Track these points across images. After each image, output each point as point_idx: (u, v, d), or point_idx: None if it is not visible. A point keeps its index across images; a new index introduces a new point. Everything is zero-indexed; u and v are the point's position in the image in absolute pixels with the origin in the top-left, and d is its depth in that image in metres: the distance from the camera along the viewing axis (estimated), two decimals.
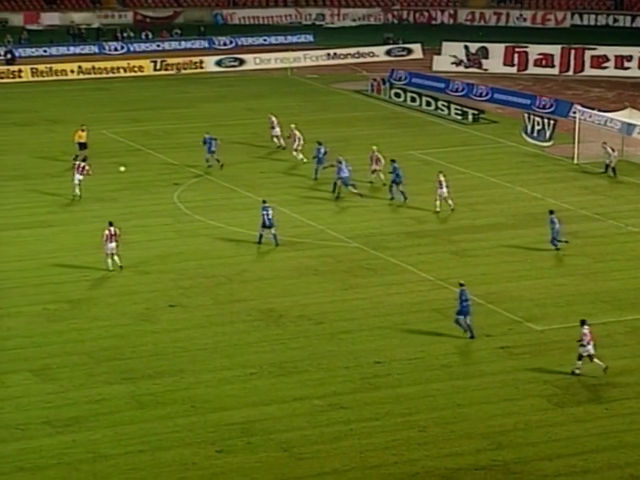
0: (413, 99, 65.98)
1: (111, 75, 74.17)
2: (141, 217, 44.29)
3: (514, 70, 74.12)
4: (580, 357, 30.48)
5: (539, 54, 74.04)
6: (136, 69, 75.13)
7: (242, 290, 36.75)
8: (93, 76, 73.75)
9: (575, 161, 52.45)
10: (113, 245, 37.97)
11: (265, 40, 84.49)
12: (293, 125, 52.86)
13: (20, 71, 73.24)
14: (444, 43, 76.54)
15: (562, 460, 26.32)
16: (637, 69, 72.71)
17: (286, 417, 28.28)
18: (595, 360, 30.49)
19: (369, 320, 34.29)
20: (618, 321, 34.30)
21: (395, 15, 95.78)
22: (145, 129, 58.91)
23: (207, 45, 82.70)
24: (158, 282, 37.41)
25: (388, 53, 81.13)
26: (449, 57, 75.44)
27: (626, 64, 73.00)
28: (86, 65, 74.37)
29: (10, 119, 61.71)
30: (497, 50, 74.70)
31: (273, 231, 40.68)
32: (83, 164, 46.90)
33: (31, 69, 73.41)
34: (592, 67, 73.15)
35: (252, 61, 77.97)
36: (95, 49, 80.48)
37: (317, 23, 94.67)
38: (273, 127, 54.45)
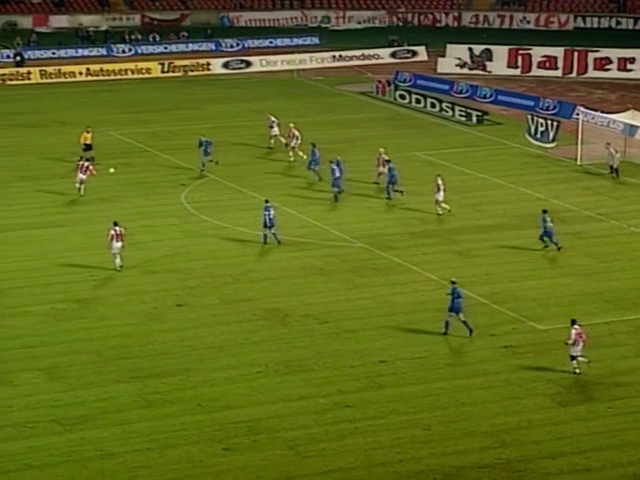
0: (418, 101, 66.14)
1: (118, 77, 74.31)
2: (148, 217, 44.46)
3: (518, 72, 74.18)
4: (572, 358, 30.62)
5: (543, 56, 74.09)
6: (144, 71, 75.34)
7: (248, 289, 36.89)
8: (101, 78, 73.90)
9: (578, 162, 52.54)
10: (119, 244, 38.16)
11: (271, 42, 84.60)
12: (291, 124, 53.08)
13: (29, 72, 73.44)
14: (448, 45, 76.61)
15: (565, 458, 26.43)
16: None
17: (291, 415, 28.39)
18: (578, 359, 30.61)
19: (373, 319, 34.42)
20: (620, 320, 34.41)
21: (399, 18, 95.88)
22: (152, 131, 59.08)
23: (213, 47, 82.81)
24: (165, 281, 37.55)
25: (393, 55, 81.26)
26: (453, 59, 75.52)
27: (629, 66, 73.01)
28: (94, 67, 74.56)
29: (19, 121, 61.88)
30: (500, 52, 74.74)
31: (272, 230, 40.88)
32: (86, 164, 47.22)
33: (40, 70, 73.60)
34: (595, 69, 73.17)
35: (258, 63, 78.11)
36: (103, 51, 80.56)
37: (323, 25, 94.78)
38: (271, 127, 54.74)
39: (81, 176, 46.57)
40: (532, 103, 64.12)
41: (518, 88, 69.94)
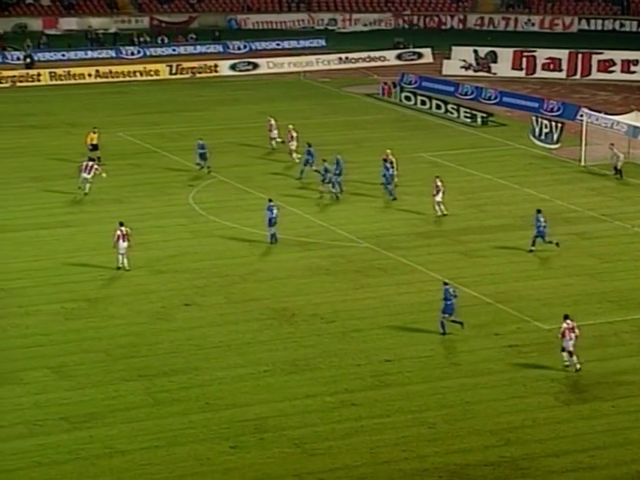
0: (423, 102, 66.32)
1: (127, 78, 74.57)
2: (156, 217, 44.66)
3: (522, 74, 74.24)
4: (563, 350, 30.80)
5: (547, 58, 74.17)
6: (152, 72, 75.61)
7: (255, 289, 37.06)
8: (109, 80, 74.19)
9: (582, 163, 52.68)
10: (125, 244, 38.35)
11: (278, 44, 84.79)
12: (290, 126, 53.36)
13: (39, 74, 73.74)
14: (453, 48, 76.69)
15: (569, 456, 26.56)
16: None
17: (298, 414, 28.53)
18: (573, 358, 30.75)
19: (379, 319, 34.57)
20: (624, 320, 34.55)
21: (405, 20, 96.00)
22: (160, 132, 59.26)
23: (221, 50, 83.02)
24: (173, 281, 37.70)
25: (398, 57, 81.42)
26: (458, 61, 75.66)
27: (632, 68, 73.02)
28: (103, 69, 74.84)
29: (29, 122, 62.13)
30: (505, 54, 74.85)
31: (273, 229, 41.08)
32: (91, 163, 47.55)
33: (50, 72, 73.89)
34: (599, 70, 73.25)
35: (265, 65, 78.32)
36: (112, 53, 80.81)
37: (329, 27, 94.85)
38: (270, 130, 55.07)
39: (85, 175, 46.95)
40: (536, 105, 64.27)
41: (522, 90, 70.03)
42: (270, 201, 41.91)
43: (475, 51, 75.62)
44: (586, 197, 47.82)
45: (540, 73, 74.13)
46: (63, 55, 79.81)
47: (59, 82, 73.45)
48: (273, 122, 55.32)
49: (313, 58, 79.21)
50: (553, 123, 56.21)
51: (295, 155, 52.24)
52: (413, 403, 29.18)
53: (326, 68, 78.67)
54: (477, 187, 49.19)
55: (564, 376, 30.68)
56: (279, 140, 54.57)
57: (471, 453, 26.72)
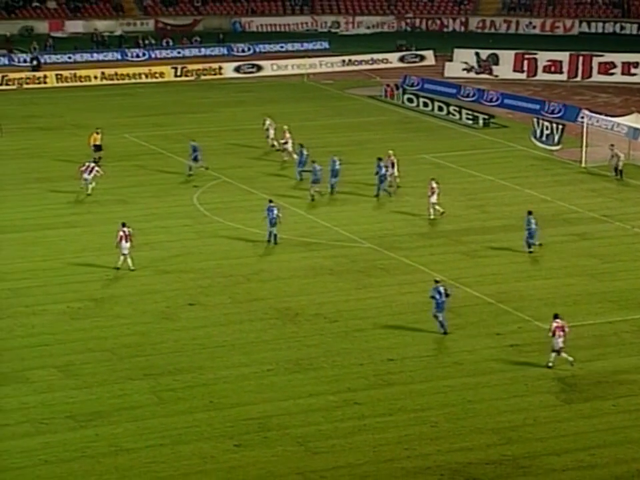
0: (426, 104, 66.54)
1: (132, 80, 74.75)
2: (161, 218, 44.86)
3: (523, 76, 74.41)
4: (553, 350, 31.02)
5: (548, 60, 74.37)
6: (157, 75, 75.81)
7: (259, 289, 37.21)
8: (115, 82, 74.41)
9: (583, 165, 52.84)
10: (128, 244, 38.52)
11: (281, 47, 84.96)
12: (285, 127, 53.60)
13: (45, 77, 73.95)
14: (455, 50, 76.89)
15: (570, 455, 26.69)
16: None
17: (301, 413, 28.67)
18: (563, 354, 30.93)
19: (382, 318, 34.70)
20: (624, 320, 34.68)
21: (408, 23, 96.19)
22: (165, 133, 59.42)
23: (225, 52, 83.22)
24: (178, 281, 37.85)
25: (401, 59, 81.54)
26: (460, 64, 75.82)
27: (632, 70, 73.19)
28: (109, 71, 75.04)
29: (35, 124, 62.35)
30: (507, 56, 75.02)
31: (274, 230, 41.30)
32: (92, 165, 47.84)
33: (56, 74, 74.11)
34: (599, 73, 73.43)
35: (269, 67, 78.49)
36: (117, 55, 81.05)
37: (333, 30, 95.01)
38: (267, 130, 55.34)
39: (86, 176, 47.25)
40: (537, 107, 64.46)
41: (524, 92, 70.22)
42: (270, 201, 42.16)
43: (477, 54, 75.82)
44: (586, 198, 47.98)
45: (541, 75, 74.31)
46: (69, 57, 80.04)
47: (65, 84, 73.65)
48: (269, 122, 55.64)
49: (316, 60, 79.35)
50: (554, 125, 56.41)
51: (286, 157, 52.47)
52: (415, 402, 29.31)
53: (329, 70, 78.85)
54: (478, 188, 49.37)
55: (565, 375, 30.79)
56: (276, 143, 54.71)
57: (472, 451, 26.83)
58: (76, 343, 32.95)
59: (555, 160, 54.64)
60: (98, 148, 52.73)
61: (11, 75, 73.70)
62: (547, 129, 56.53)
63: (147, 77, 75.52)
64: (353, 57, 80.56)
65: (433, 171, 51.23)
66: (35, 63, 77.21)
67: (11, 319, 34.79)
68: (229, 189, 49.18)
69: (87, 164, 48.01)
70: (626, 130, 52.34)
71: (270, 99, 69.30)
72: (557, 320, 31.16)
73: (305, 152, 49.90)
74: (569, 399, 29.60)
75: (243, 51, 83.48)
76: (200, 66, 77.09)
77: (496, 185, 50.00)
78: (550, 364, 31.12)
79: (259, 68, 78.39)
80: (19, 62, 78.41)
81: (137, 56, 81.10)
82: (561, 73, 74.08)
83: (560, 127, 56.05)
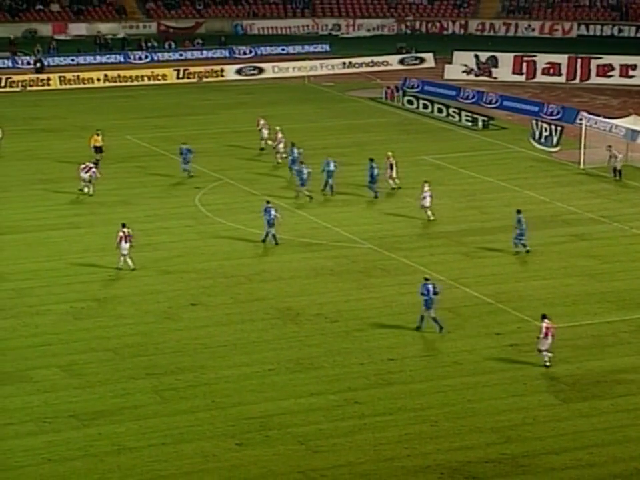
0: (425, 106, 66.69)
1: (135, 83, 74.89)
2: (164, 219, 45.00)
3: (522, 78, 74.51)
4: (540, 351, 31.17)
5: (547, 63, 74.45)
6: (159, 77, 75.98)
7: (261, 289, 37.32)
8: (118, 84, 74.52)
9: (581, 166, 52.96)
10: (127, 245, 38.65)
11: (283, 49, 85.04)
12: (278, 127, 53.79)
13: (49, 79, 74.07)
14: (455, 53, 76.98)
15: (568, 454, 26.76)
16: None
17: (302, 412, 28.76)
18: (544, 353, 31.05)
19: (382, 318, 34.82)
20: (623, 320, 34.79)
21: (408, 26, 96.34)
22: (167, 135, 59.46)
23: (227, 54, 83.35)
24: (180, 281, 37.96)
25: (401, 62, 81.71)
26: (459, 66, 75.91)
27: (631, 72, 73.25)
28: (112, 74, 75.21)
29: (39, 125, 62.50)
30: (506, 59, 75.11)
31: (272, 231, 41.52)
32: (91, 166, 48.03)
33: (59, 77, 74.25)
34: (598, 75, 73.49)
35: (270, 70, 78.63)
36: (120, 58, 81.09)
37: (333, 33, 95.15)
38: (260, 130, 55.53)
39: (84, 175, 47.47)
40: (536, 109, 64.61)
41: (523, 94, 70.30)
42: (267, 202, 42.36)
43: (476, 56, 75.93)
44: (585, 199, 48.10)
45: (540, 78, 74.41)
46: (73, 60, 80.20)
47: (69, 86, 73.78)
48: (262, 121, 55.91)
49: (317, 62, 79.47)
50: (553, 127, 56.58)
51: (279, 158, 52.73)
52: (415, 401, 29.40)
53: (330, 72, 78.97)
54: (478, 189, 49.51)
55: (563, 375, 30.91)
56: (269, 143, 54.97)
57: (472, 450, 26.90)
58: (79, 343, 33.07)
59: (553, 161, 54.77)
60: (98, 149, 52.98)
61: (15, 77, 73.92)
62: (545, 130, 56.70)
63: (149, 79, 75.69)
64: (354, 60, 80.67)
65: (432, 172, 51.46)
66: (38, 65, 77.37)
67: (15, 318, 34.94)
68: (230, 190, 49.31)
69: (86, 164, 48.25)
70: (624, 132, 52.51)
71: (271, 101, 69.42)
72: (546, 320, 31.29)
73: (296, 151, 50.06)
74: (568, 398, 29.68)
75: (245, 53, 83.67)
76: (202, 68, 77.24)
77: (495, 186, 50.15)
78: (547, 363, 31.30)
79: (260, 70, 78.55)
80: (22, 64, 78.56)
81: (140, 58, 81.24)
82: (560, 75, 74.17)
83: (559, 128, 56.21)
